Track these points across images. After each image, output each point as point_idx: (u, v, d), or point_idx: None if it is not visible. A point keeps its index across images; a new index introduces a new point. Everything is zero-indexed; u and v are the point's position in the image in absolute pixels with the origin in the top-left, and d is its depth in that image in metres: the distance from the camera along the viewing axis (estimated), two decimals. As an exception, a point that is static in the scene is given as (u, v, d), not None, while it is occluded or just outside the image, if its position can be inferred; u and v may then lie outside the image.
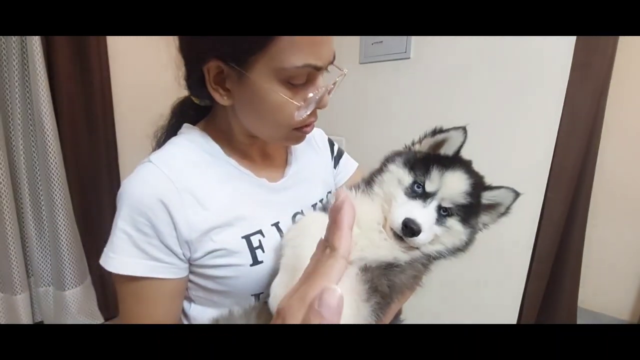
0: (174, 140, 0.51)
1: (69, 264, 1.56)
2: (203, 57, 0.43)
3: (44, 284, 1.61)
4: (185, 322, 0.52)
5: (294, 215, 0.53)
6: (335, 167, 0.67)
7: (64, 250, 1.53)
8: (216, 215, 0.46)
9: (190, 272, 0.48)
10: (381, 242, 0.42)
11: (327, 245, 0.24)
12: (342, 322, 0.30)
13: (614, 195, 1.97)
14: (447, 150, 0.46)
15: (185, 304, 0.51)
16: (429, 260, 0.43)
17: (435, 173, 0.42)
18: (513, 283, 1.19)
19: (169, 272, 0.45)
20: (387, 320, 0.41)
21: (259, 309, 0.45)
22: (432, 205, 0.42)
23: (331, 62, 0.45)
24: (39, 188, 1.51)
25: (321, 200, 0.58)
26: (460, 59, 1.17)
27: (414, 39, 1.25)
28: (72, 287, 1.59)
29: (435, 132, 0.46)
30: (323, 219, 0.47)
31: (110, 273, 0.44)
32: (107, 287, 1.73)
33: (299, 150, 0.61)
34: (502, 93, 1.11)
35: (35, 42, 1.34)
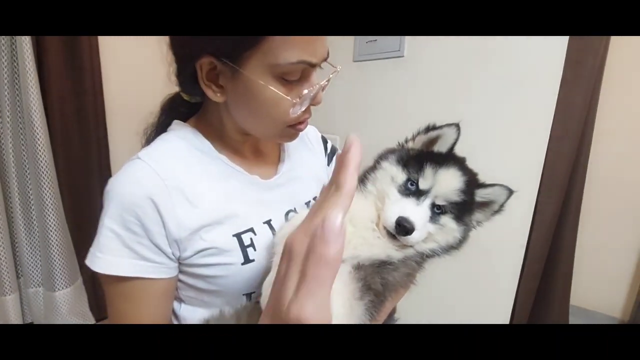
0: (163, 137, 0.50)
1: (60, 264, 1.53)
2: (195, 53, 0.42)
3: (34, 285, 1.58)
4: (176, 323, 0.51)
5: (287, 213, 0.53)
6: (328, 164, 0.67)
7: (54, 251, 1.51)
8: (206, 213, 0.45)
9: (180, 271, 0.47)
10: (374, 240, 0.42)
11: (332, 184, 0.25)
12: (336, 321, 0.30)
13: (605, 196, 1.99)
14: (441, 147, 0.45)
15: (176, 304, 0.51)
16: (422, 258, 0.43)
17: (428, 170, 0.42)
18: (506, 282, 1.20)
19: (158, 272, 0.44)
20: (381, 319, 0.41)
21: (250, 309, 0.44)
22: (426, 203, 0.42)
23: (325, 59, 0.45)
24: (28, 187, 1.48)
25: (314, 198, 0.58)
26: (453, 57, 1.17)
27: (408, 38, 1.25)
28: (63, 288, 1.56)
29: (428, 129, 0.46)
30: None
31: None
32: (98, 287, 1.71)
33: (292, 148, 0.61)
34: (495, 93, 1.12)
35: (25, 40, 1.31)
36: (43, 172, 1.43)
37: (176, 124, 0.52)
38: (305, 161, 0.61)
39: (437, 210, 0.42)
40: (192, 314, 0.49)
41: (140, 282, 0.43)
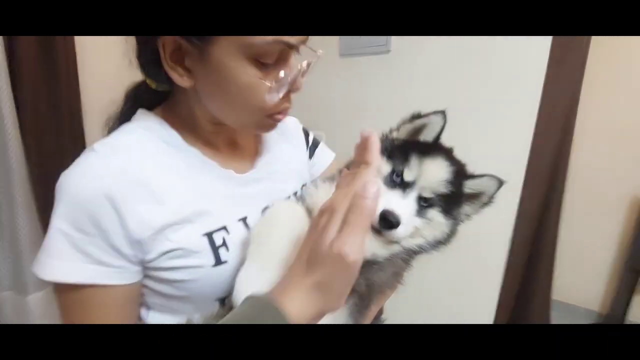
0: (125, 128, 0.45)
1: (31, 267, 1.45)
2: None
3: (4, 289, 1.50)
4: None
5: (264, 210, 0.49)
6: (310, 157, 0.64)
7: (25, 253, 1.43)
8: (173, 210, 0.40)
9: (145, 275, 0.42)
10: None
11: (360, 163, 0.34)
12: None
13: (586, 192, 2.05)
14: (427, 136, 0.44)
15: (143, 312, 0.46)
16: (409, 255, 0.41)
17: (414, 161, 0.40)
18: (491, 276, 1.22)
19: (117, 277, 0.39)
20: (366, 321, 0.39)
21: (221, 317, 0.41)
22: (412, 195, 0.40)
23: (304, 42, 0.41)
24: (-4, 184, 1.40)
25: (295, 194, 0.55)
26: (440, 53, 1.17)
27: (395, 33, 1.25)
28: (35, 292, 1.49)
29: (413, 117, 0.44)
30: (292, 209, 0.44)
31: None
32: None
33: (270, 140, 0.57)
34: (480, 89, 1.12)
35: (-9, 27, 1.23)
36: (13, 169, 1.35)
37: (140, 114, 0.47)
38: (285, 154, 0.58)
39: (423, 204, 0.40)
40: (161, 321, 0.45)
41: (97, 289, 0.38)
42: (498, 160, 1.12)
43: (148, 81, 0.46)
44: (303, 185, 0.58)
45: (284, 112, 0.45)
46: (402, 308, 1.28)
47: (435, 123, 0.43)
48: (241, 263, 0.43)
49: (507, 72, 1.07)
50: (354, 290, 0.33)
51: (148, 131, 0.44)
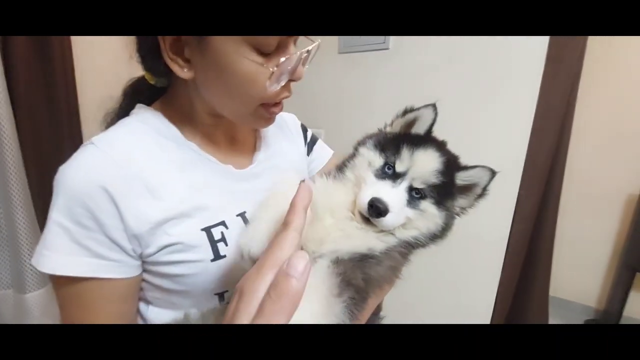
0: (123, 122, 0.45)
1: (30, 265, 1.44)
2: None
3: (3, 287, 1.50)
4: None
5: None
6: (309, 154, 0.64)
7: (23, 251, 1.43)
8: (172, 205, 0.41)
9: (145, 270, 0.42)
10: (353, 231, 0.40)
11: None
12: (312, 320, 0.28)
13: (583, 190, 2.06)
14: (419, 129, 0.44)
15: (143, 306, 0.46)
16: (406, 248, 0.41)
17: (405, 152, 0.40)
18: (489, 273, 1.22)
19: (116, 271, 0.39)
20: (363, 317, 0.39)
21: (218, 312, 0.41)
22: (403, 185, 0.40)
23: None
24: (-7, 183, 1.39)
25: None
26: (438, 51, 1.18)
27: (393, 30, 1.25)
28: (34, 290, 1.49)
29: (405, 111, 0.45)
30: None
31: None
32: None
33: (269, 136, 0.57)
34: (479, 87, 1.12)
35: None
36: (10, 168, 1.35)
37: (139, 108, 0.47)
38: (283, 150, 0.58)
39: (416, 195, 0.41)
40: (160, 316, 0.45)
41: (95, 283, 0.38)
42: (495, 157, 1.12)
43: (147, 76, 0.47)
44: (302, 181, 0.58)
45: (280, 104, 0.46)
46: (401, 304, 1.29)
47: (426, 116, 0.43)
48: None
49: (504, 69, 1.08)
50: (349, 284, 0.34)
51: (146, 125, 0.45)
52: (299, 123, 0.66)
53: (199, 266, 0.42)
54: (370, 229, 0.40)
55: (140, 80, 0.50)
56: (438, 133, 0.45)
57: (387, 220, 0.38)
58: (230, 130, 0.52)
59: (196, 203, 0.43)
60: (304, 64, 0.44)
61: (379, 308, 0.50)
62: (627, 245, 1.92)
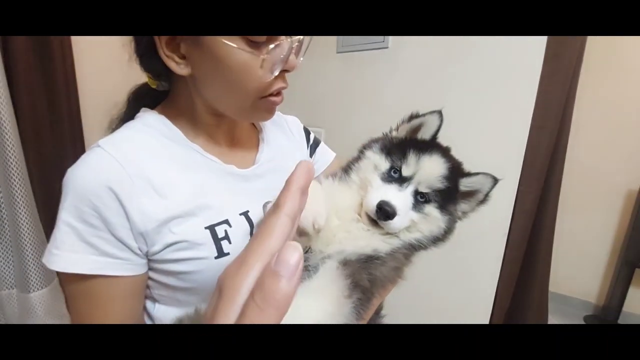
0: (128, 125, 0.47)
1: (34, 264, 1.46)
2: None
3: (7, 287, 1.51)
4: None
5: (265, 205, 0.50)
6: (311, 156, 0.65)
7: (27, 251, 1.44)
8: (176, 204, 0.42)
9: (151, 268, 0.44)
10: (359, 232, 0.41)
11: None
12: (324, 320, 0.28)
13: (583, 186, 2.07)
14: (424, 134, 0.45)
15: (149, 304, 0.48)
16: (409, 250, 0.42)
17: (411, 157, 0.42)
18: (489, 269, 1.23)
19: (122, 268, 0.41)
20: (368, 316, 0.40)
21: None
22: (409, 189, 0.41)
23: None
24: (-3, 184, 1.40)
25: None
26: (437, 49, 1.18)
27: (393, 29, 1.25)
28: (38, 289, 1.50)
29: (411, 117, 0.46)
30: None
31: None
32: (77, 287, 1.64)
33: (270, 136, 0.58)
34: (478, 84, 1.13)
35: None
36: (13, 170, 1.36)
37: (143, 112, 0.48)
38: (285, 151, 0.59)
39: (420, 199, 0.42)
40: (166, 314, 0.47)
41: (103, 280, 0.40)
42: (495, 154, 1.13)
43: (149, 81, 0.48)
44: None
45: (279, 94, 0.46)
46: (402, 301, 1.31)
47: (431, 122, 0.44)
48: None
49: (503, 66, 1.08)
50: (357, 285, 0.35)
51: (150, 128, 0.46)
52: (301, 125, 0.67)
53: (203, 263, 0.43)
54: (375, 231, 0.41)
55: (144, 86, 0.51)
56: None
57: (394, 223, 0.39)
58: (232, 131, 0.53)
59: (200, 202, 0.44)
60: (297, 54, 0.44)
61: (380, 307, 0.51)
62: (626, 241, 1.93)
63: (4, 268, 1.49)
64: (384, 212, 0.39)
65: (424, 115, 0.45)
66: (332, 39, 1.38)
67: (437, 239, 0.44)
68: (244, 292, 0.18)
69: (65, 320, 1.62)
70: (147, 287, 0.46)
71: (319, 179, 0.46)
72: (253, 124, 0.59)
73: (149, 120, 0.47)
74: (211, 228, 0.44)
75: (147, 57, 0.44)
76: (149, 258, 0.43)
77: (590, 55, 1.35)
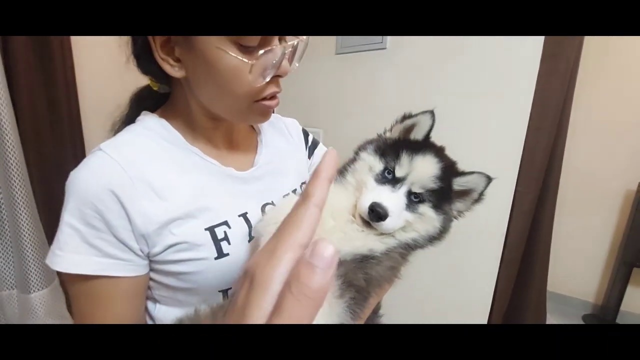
0: (129, 128, 0.47)
1: (34, 265, 1.47)
2: None
3: (7, 287, 1.51)
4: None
5: (264, 207, 0.51)
6: (309, 157, 0.65)
7: (27, 251, 1.44)
8: (176, 206, 0.43)
9: (152, 269, 0.45)
10: (354, 233, 0.41)
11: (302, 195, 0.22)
12: (317, 320, 0.29)
13: (581, 186, 2.07)
14: (417, 135, 0.45)
15: (150, 305, 0.48)
16: (406, 250, 0.43)
17: (404, 158, 0.42)
18: (487, 268, 1.23)
19: (124, 269, 0.41)
20: (364, 315, 0.41)
21: (227, 307, 0.43)
22: (402, 190, 0.42)
23: None
24: (-3, 185, 1.41)
25: (294, 191, 0.57)
26: (435, 49, 1.18)
27: (391, 30, 1.25)
28: (38, 290, 1.50)
29: (404, 117, 0.46)
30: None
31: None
32: (77, 288, 1.64)
33: (269, 139, 0.59)
34: (475, 85, 1.13)
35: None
36: (13, 170, 1.36)
37: (144, 115, 0.49)
38: (283, 153, 0.60)
39: (414, 199, 0.42)
40: (167, 314, 0.47)
41: (105, 280, 0.41)
42: (492, 154, 1.13)
43: (150, 83, 0.48)
44: (302, 184, 0.60)
45: (274, 98, 0.47)
46: (401, 301, 1.31)
47: (424, 122, 0.45)
48: (244, 256, 0.45)
49: (500, 66, 1.08)
50: (351, 285, 0.35)
51: (150, 131, 0.47)
52: (300, 127, 0.67)
53: (203, 264, 0.44)
54: (370, 232, 0.41)
55: (146, 88, 0.52)
56: (437, 131, 0.46)
57: (387, 224, 0.40)
58: (230, 134, 0.54)
59: (200, 204, 0.45)
60: (290, 60, 0.45)
61: (378, 306, 0.51)
62: (624, 240, 1.93)
63: (4, 269, 1.49)
64: (376, 214, 0.39)
65: (416, 115, 0.45)
66: (332, 40, 1.39)
67: (433, 238, 0.44)
68: (277, 283, 0.19)
69: (66, 320, 1.62)
70: (149, 287, 0.47)
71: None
72: (252, 126, 0.60)
73: (150, 124, 0.47)
74: (211, 229, 0.45)
75: (144, 60, 0.45)
76: (150, 259, 0.44)
77: (588, 54, 1.35)
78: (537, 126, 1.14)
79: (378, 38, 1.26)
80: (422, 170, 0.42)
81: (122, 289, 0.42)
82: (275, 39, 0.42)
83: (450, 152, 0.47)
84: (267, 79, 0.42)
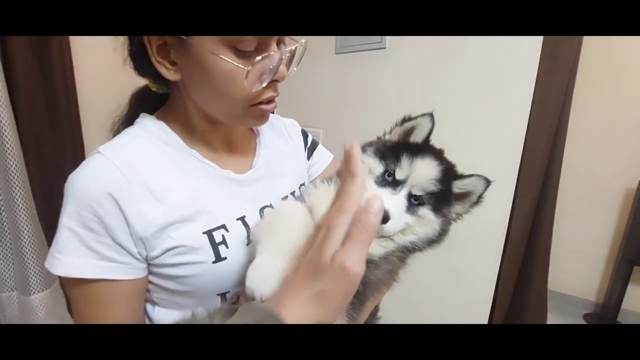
0: (127, 130, 0.47)
1: (34, 267, 1.47)
2: None
3: (8, 289, 1.51)
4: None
5: (262, 209, 0.51)
6: (308, 158, 0.65)
7: (27, 253, 1.44)
8: (174, 209, 0.43)
9: (150, 272, 0.44)
10: None
11: (346, 176, 0.32)
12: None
13: (581, 185, 2.07)
14: (417, 137, 0.45)
15: (149, 308, 0.48)
16: (404, 253, 0.42)
17: (404, 160, 0.42)
18: (488, 268, 1.23)
19: (123, 272, 0.41)
20: (361, 319, 0.40)
21: (225, 311, 0.42)
22: (402, 193, 0.41)
23: None
24: (-4, 187, 1.40)
25: (292, 193, 0.56)
26: (435, 50, 1.18)
27: (390, 30, 1.25)
28: (39, 292, 1.50)
29: (403, 120, 0.46)
30: (298, 207, 0.45)
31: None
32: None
33: (267, 140, 0.58)
34: (475, 86, 1.13)
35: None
36: (12, 171, 1.36)
37: (142, 117, 0.49)
38: (282, 155, 0.59)
39: (414, 202, 0.42)
40: (166, 317, 0.47)
41: (104, 284, 0.40)
42: (492, 154, 1.13)
43: (149, 84, 0.48)
44: (301, 185, 0.59)
45: (272, 102, 0.46)
46: (400, 299, 1.31)
47: (423, 125, 0.44)
48: (241, 259, 0.45)
49: (500, 68, 1.08)
50: None
51: (149, 133, 0.46)
52: (299, 128, 0.67)
53: (201, 267, 0.43)
54: None
55: (145, 89, 0.52)
56: (436, 131, 0.46)
57: (388, 227, 0.39)
58: (229, 136, 0.54)
59: (198, 207, 0.44)
60: (288, 65, 0.44)
61: (376, 309, 0.51)
62: (625, 239, 1.93)
63: (4, 270, 1.49)
64: None
65: (415, 118, 0.45)
66: (331, 40, 1.39)
67: (432, 241, 0.44)
68: (344, 227, 0.30)
69: (66, 322, 1.62)
70: (147, 290, 0.47)
71: (316, 182, 0.46)
72: (251, 128, 0.60)
73: (148, 126, 0.47)
74: (209, 233, 0.44)
75: (140, 62, 0.44)
76: (149, 262, 0.43)
77: (587, 54, 1.35)
78: (537, 126, 1.14)
79: (377, 38, 1.26)
80: (422, 173, 0.41)
81: (121, 292, 0.42)
82: (273, 43, 0.41)
83: (449, 153, 0.46)
84: (264, 84, 0.42)
